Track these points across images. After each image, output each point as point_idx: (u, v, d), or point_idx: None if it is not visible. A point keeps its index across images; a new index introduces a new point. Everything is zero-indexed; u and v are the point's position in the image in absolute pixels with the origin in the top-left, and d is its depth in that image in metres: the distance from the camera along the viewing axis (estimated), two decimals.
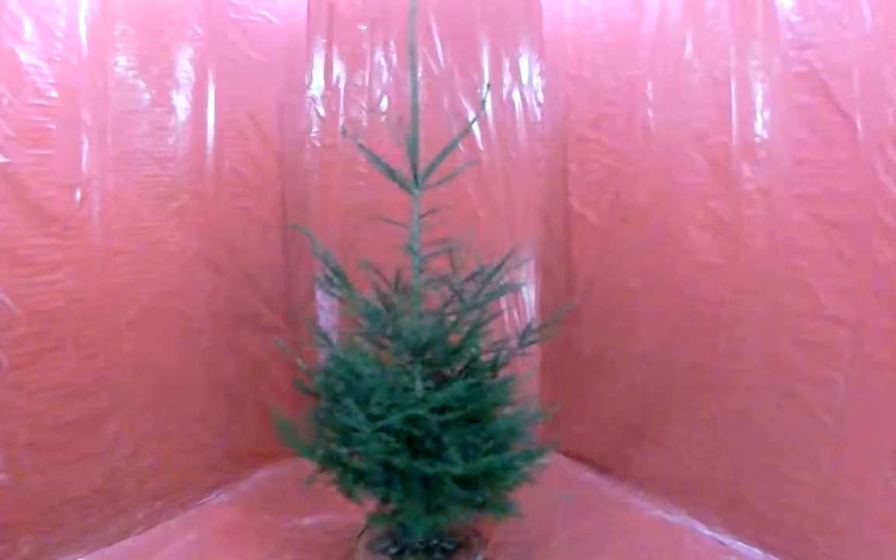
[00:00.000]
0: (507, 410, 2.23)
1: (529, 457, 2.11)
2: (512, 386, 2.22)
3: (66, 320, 2.25)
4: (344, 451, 2.08)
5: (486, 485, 2.07)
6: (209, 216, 2.76)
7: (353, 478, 2.07)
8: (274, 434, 2.19)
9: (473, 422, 2.09)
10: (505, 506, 2.11)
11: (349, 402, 1.99)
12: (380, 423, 1.96)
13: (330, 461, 2.12)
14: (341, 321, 3.16)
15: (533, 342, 2.36)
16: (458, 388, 2.03)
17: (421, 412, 1.98)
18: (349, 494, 2.12)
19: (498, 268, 2.26)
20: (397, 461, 1.95)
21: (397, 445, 1.96)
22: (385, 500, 2.12)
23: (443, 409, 2.01)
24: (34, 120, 2.14)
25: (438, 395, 2.02)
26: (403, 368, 2.17)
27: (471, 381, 2.11)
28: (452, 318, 2.21)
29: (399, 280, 2.33)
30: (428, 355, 2.17)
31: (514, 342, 2.39)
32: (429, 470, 1.94)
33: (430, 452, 2.00)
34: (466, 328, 2.23)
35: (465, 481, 1.99)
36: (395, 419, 1.96)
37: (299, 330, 3.10)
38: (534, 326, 2.41)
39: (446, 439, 1.99)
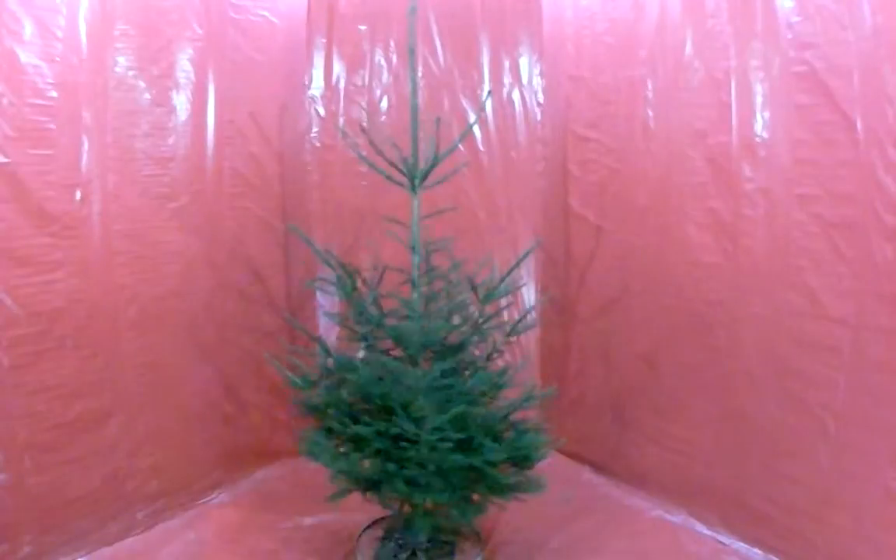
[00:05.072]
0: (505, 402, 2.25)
1: (539, 441, 2.16)
2: (508, 376, 2.23)
3: (66, 320, 2.25)
4: (390, 464, 2.03)
5: (514, 469, 2.12)
6: (209, 216, 2.76)
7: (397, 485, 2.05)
8: (273, 434, 2.19)
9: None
10: (533, 484, 2.13)
11: (398, 409, 1.97)
12: (432, 427, 1.95)
13: (360, 479, 2.10)
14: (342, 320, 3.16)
15: (518, 332, 2.38)
16: (480, 378, 2.06)
17: (461, 410, 1.98)
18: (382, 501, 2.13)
19: (516, 265, 2.33)
20: (458, 458, 1.96)
21: (452, 445, 1.95)
22: (410, 502, 2.13)
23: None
24: (34, 120, 2.14)
25: (469, 386, 2.04)
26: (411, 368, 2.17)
27: (481, 374, 2.13)
28: (455, 319, 2.22)
29: (380, 281, 2.34)
30: (427, 355, 2.17)
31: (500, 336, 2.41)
32: (476, 461, 1.98)
33: (465, 448, 2.02)
34: (465, 326, 2.23)
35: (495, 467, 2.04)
36: (444, 419, 1.95)
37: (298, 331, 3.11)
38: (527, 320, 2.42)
39: (474, 431, 2.01)
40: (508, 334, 2.35)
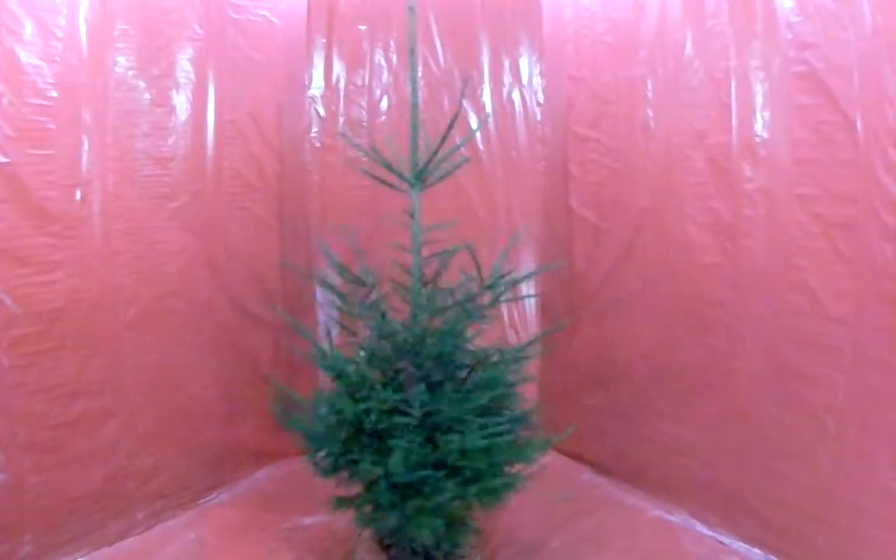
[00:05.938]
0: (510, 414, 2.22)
1: (470, 488, 2.02)
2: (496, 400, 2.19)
3: (66, 320, 2.25)
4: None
5: (421, 499, 1.99)
6: (209, 216, 2.76)
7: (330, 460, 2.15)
8: (273, 434, 2.21)
9: (444, 430, 2.07)
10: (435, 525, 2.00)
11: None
12: (334, 411, 2.04)
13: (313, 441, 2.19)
14: (341, 319, 3.15)
15: (527, 358, 2.33)
16: (415, 392, 2.03)
17: (374, 406, 2.01)
18: (322, 472, 2.18)
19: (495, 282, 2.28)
20: (332, 447, 2.03)
21: (342, 433, 2.02)
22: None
23: (396, 411, 2.02)
24: (34, 120, 2.14)
25: (384, 394, 2.03)
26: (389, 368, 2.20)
27: (425, 386, 2.09)
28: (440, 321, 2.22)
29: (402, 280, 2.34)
30: (424, 357, 2.17)
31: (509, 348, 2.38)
32: (367, 467, 1.98)
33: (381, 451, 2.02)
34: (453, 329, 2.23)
35: (404, 488, 1.97)
36: (348, 410, 2.01)
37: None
38: (526, 345, 2.36)
39: (390, 441, 1.99)
40: (516, 357, 2.28)
